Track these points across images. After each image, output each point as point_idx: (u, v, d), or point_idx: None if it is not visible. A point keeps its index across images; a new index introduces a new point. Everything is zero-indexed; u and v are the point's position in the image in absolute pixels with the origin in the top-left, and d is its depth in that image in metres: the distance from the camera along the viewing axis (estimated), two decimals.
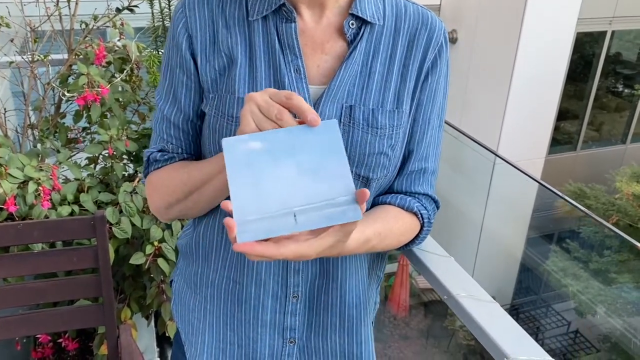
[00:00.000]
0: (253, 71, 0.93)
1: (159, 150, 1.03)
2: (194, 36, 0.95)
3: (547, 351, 0.92)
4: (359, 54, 0.94)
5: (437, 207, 1.08)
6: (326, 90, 0.93)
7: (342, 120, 0.92)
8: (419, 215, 1.03)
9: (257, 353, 1.05)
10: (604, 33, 8.22)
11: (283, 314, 1.02)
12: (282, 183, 0.73)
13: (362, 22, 0.94)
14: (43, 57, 2.16)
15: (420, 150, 1.02)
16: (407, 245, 1.09)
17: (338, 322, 1.05)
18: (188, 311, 1.11)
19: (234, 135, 0.80)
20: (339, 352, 1.08)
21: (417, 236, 1.06)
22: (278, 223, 0.71)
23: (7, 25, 2.14)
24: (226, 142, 0.76)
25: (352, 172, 0.91)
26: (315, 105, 0.92)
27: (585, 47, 8.41)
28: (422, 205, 1.04)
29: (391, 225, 0.99)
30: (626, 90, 9.10)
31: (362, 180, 0.96)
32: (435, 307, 8.81)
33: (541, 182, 5.68)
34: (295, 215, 0.71)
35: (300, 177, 0.74)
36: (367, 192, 0.71)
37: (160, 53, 2.27)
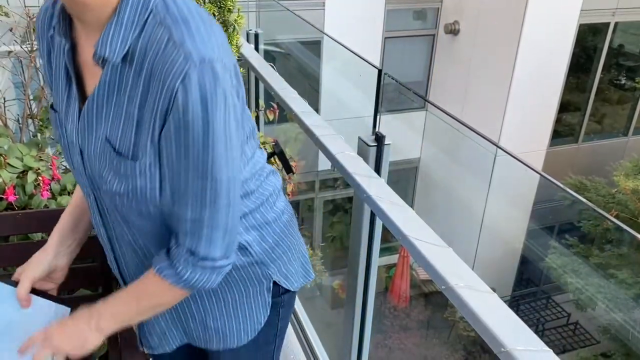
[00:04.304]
0: (54, 86, 1.00)
1: None
2: (39, 44, 1.01)
3: (547, 343, 0.91)
4: (103, 86, 0.89)
5: (202, 259, 0.95)
6: (81, 117, 0.93)
7: (96, 149, 0.93)
8: (162, 275, 0.97)
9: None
10: (607, 25, 8.17)
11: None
12: None
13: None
14: None
15: (173, 197, 0.92)
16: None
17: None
18: None
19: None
20: None
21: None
22: None
23: (7, 15, 2.13)
24: None
25: (106, 198, 0.98)
26: (78, 130, 0.95)
27: (587, 38, 8.37)
28: (170, 263, 0.96)
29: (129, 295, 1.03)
30: (628, 83, 9.06)
31: (116, 208, 0.97)
32: (435, 298, 8.82)
33: (542, 173, 5.66)
34: None
35: None
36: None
37: None
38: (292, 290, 1.22)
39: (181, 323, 1.17)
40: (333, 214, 9.61)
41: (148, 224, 0.98)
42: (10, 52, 2.17)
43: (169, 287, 0.97)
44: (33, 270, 1.13)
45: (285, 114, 2.05)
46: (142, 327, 1.19)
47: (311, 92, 8.47)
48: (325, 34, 7.58)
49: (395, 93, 8.87)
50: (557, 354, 0.89)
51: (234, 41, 2.39)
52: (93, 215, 1.06)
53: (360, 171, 1.44)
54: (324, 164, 6.77)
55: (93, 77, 0.91)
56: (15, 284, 1.10)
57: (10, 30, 2.20)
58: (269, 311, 1.17)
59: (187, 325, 1.17)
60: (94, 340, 1.03)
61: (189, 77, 0.80)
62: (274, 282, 1.16)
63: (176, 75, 0.81)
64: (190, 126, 0.83)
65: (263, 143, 2.30)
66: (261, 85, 2.70)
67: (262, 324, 1.18)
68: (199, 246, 0.94)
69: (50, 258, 1.16)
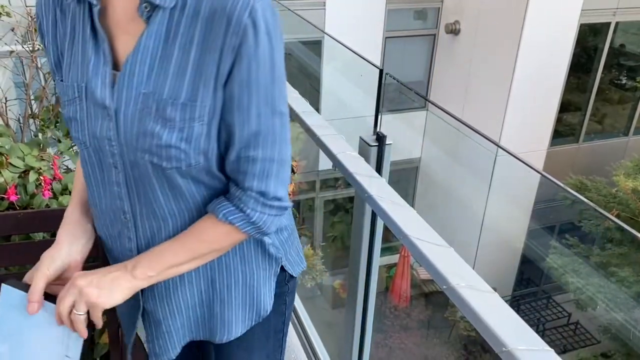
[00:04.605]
0: (70, 56, 0.96)
1: None
2: (43, 21, 0.99)
3: (547, 342, 0.91)
4: (149, 38, 0.88)
5: (272, 199, 0.98)
6: (119, 76, 0.90)
7: (136, 107, 0.90)
8: (229, 220, 0.97)
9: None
10: (607, 24, 8.17)
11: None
12: None
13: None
14: (44, 47, 2.15)
15: (242, 140, 0.93)
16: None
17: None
18: None
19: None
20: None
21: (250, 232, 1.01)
22: None
23: (8, 15, 2.13)
24: (4, 287, 0.99)
25: (145, 159, 0.92)
26: (113, 90, 0.91)
27: (588, 38, 8.37)
28: (236, 208, 0.97)
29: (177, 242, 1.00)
30: (629, 83, 9.06)
31: (156, 168, 0.93)
32: (436, 298, 8.83)
33: (543, 173, 5.66)
34: None
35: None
36: None
37: None
38: (294, 276, 1.23)
39: (187, 315, 1.15)
40: (334, 213, 9.62)
41: (185, 182, 0.96)
42: (11, 51, 2.18)
43: (233, 232, 0.99)
44: (47, 267, 1.03)
45: None
46: (148, 332, 1.18)
47: (312, 92, 8.48)
48: (326, 34, 7.59)
49: (396, 93, 8.87)
50: (558, 353, 0.89)
51: None
52: (117, 189, 1.00)
53: (362, 171, 1.45)
54: (324, 163, 6.77)
55: (127, 35, 0.91)
56: (26, 287, 0.99)
57: (12, 30, 2.21)
58: (272, 299, 1.18)
59: (194, 316, 1.15)
60: (126, 285, 0.97)
61: (255, 10, 0.84)
62: (281, 267, 1.17)
63: (242, 9, 0.84)
64: (260, 59, 0.87)
65: None
66: None
67: (267, 312, 1.18)
68: (269, 186, 0.96)
69: (64, 253, 1.06)
